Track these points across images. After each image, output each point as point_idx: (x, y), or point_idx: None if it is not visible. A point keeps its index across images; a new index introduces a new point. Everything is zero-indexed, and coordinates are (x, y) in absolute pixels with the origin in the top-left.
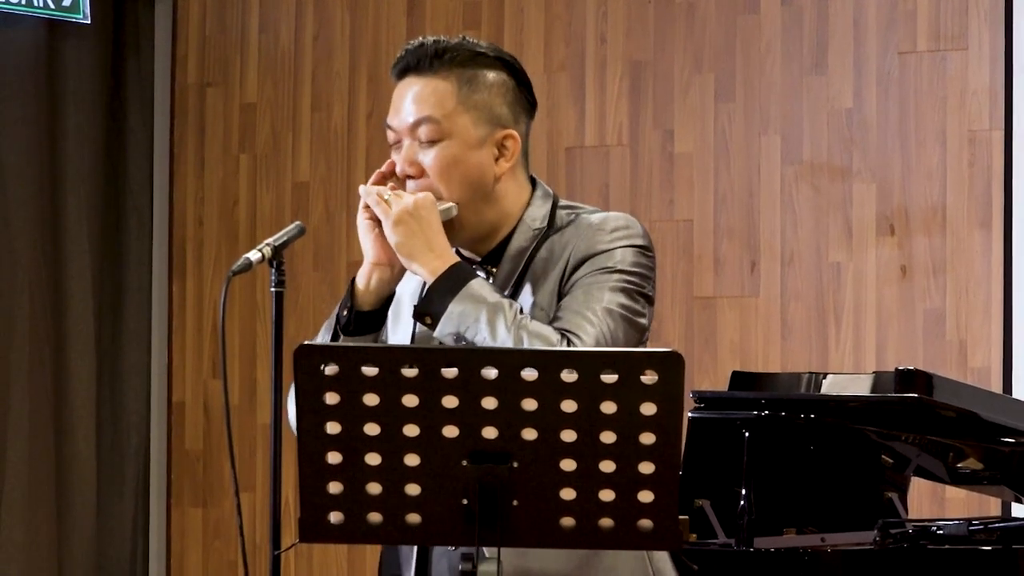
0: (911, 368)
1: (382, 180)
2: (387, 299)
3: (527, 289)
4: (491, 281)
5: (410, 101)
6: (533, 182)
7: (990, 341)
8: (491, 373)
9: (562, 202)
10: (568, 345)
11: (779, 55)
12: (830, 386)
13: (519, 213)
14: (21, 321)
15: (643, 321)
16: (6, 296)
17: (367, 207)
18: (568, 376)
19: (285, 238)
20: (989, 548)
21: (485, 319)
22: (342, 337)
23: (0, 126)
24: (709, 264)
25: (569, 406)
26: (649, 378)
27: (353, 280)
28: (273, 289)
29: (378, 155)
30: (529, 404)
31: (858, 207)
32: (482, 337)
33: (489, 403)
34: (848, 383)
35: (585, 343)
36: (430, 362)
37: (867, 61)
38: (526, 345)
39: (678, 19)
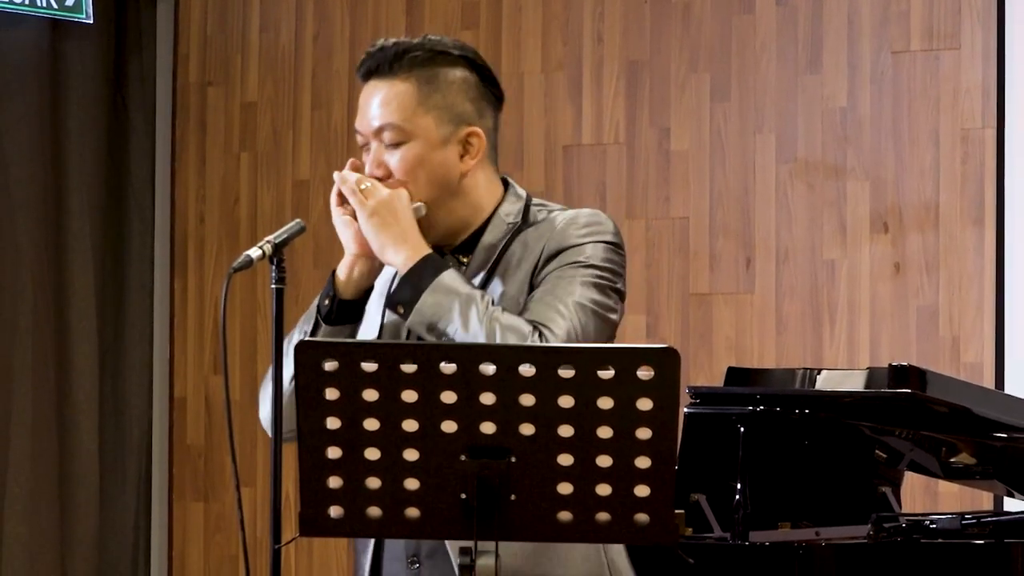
0: (904, 364)
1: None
2: (367, 290)
3: (497, 281)
4: (462, 271)
5: (373, 105)
6: (505, 182)
7: (983, 337)
8: (489, 369)
9: (535, 200)
10: (540, 337)
11: (774, 54)
12: (824, 382)
13: (491, 207)
14: (25, 317)
15: (614, 316)
16: (10, 293)
17: (341, 202)
18: (565, 372)
19: (285, 235)
20: (981, 542)
21: (458, 310)
22: (323, 327)
23: (4, 124)
24: (705, 261)
25: (566, 401)
26: (645, 374)
27: (333, 272)
28: (274, 286)
29: None
30: (527, 400)
31: (852, 205)
32: (454, 328)
33: (487, 399)
34: (842, 379)
35: (556, 335)
36: (429, 358)
37: (861, 60)
38: (498, 336)
39: (674, 19)
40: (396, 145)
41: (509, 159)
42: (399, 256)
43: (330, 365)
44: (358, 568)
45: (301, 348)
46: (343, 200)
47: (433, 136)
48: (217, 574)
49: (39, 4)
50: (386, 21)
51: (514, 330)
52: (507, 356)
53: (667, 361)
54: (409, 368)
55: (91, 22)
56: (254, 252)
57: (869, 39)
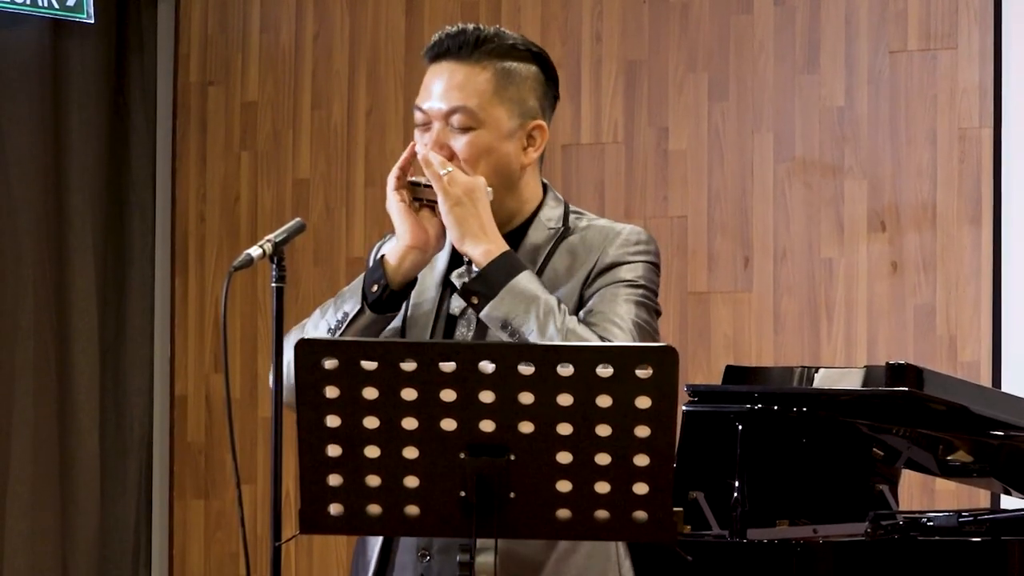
0: (902, 362)
1: (407, 165)
2: (411, 282)
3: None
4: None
5: (446, 87)
6: (544, 185)
7: (979, 336)
8: (488, 367)
9: (571, 207)
10: None
11: (772, 54)
12: (822, 380)
13: (532, 209)
14: (26, 316)
15: (657, 336)
16: (11, 291)
17: (400, 186)
18: (564, 370)
19: (285, 234)
20: (978, 539)
21: (536, 314)
22: (367, 313)
23: (6, 124)
24: (703, 260)
25: (565, 400)
26: (644, 372)
27: (382, 257)
28: (274, 284)
29: (377, 152)
30: (526, 398)
31: (849, 204)
32: (529, 329)
33: (487, 397)
34: (839, 377)
35: None
36: (428, 356)
37: (858, 60)
38: None
39: (672, 19)
40: (465, 130)
41: None
42: (478, 248)
43: (330, 363)
44: (364, 558)
45: (301, 346)
46: (401, 184)
47: (503, 127)
48: (218, 571)
49: (40, 4)
50: (386, 21)
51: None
52: (506, 355)
53: (665, 359)
54: (409, 366)
55: (92, 22)
56: (254, 251)
57: (867, 39)
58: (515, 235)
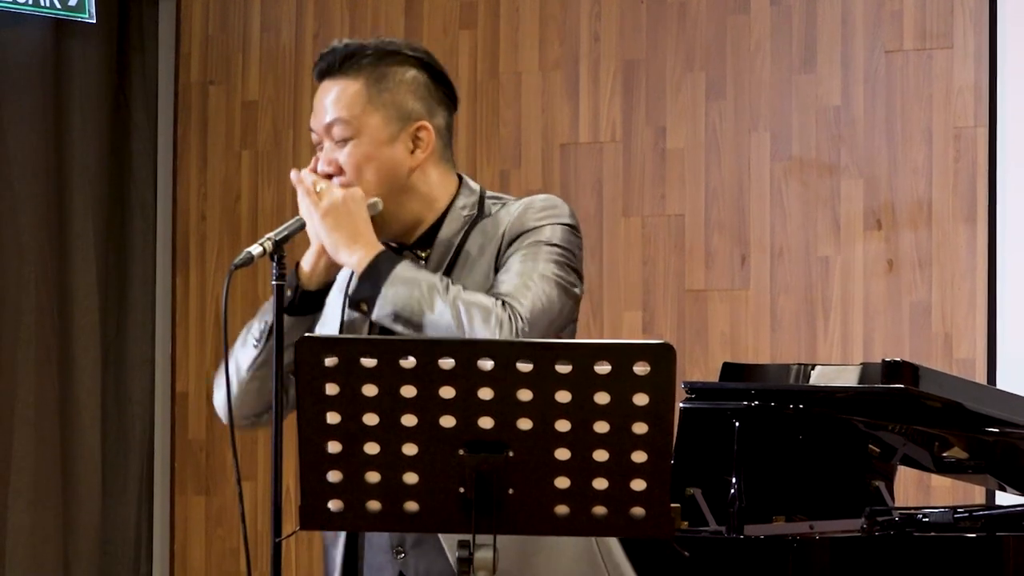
0: (897, 360)
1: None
2: (329, 283)
3: (459, 272)
4: (421, 266)
5: (325, 103)
6: (459, 178)
7: (975, 333)
8: (487, 364)
9: (489, 193)
10: (505, 308)
11: (768, 54)
12: (818, 377)
13: (446, 202)
14: (28, 313)
15: (576, 290)
16: (13, 289)
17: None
18: (562, 367)
19: (286, 232)
20: (973, 535)
21: (419, 296)
22: (285, 317)
23: (8, 123)
24: (700, 258)
25: (563, 396)
26: (642, 369)
27: (298, 264)
28: (274, 282)
29: None
30: (524, 395)
31: (846, 202)
32: (420, 313)
33: (485, 393)
34: (836, 374)
35: (523, 305)
36: (428, 354)
37: (855, 59)
38: (463, 314)
39: (670, 19)
40: (344, 141)
41: (507, 157)
42: (353, 256)
43: (330, 361)
44: (329, 561)
45: (302, 343)
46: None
47: (381, 133)
48: (218, 567)
49: (43, 4)
50: (385, 21)
51: (478, 305)
52: (505, 352)
53: (663, 357)
54: (408, 363)
55: (94, 22)
56: (255, 249)
57: (863, 39)
58: (430, 232)
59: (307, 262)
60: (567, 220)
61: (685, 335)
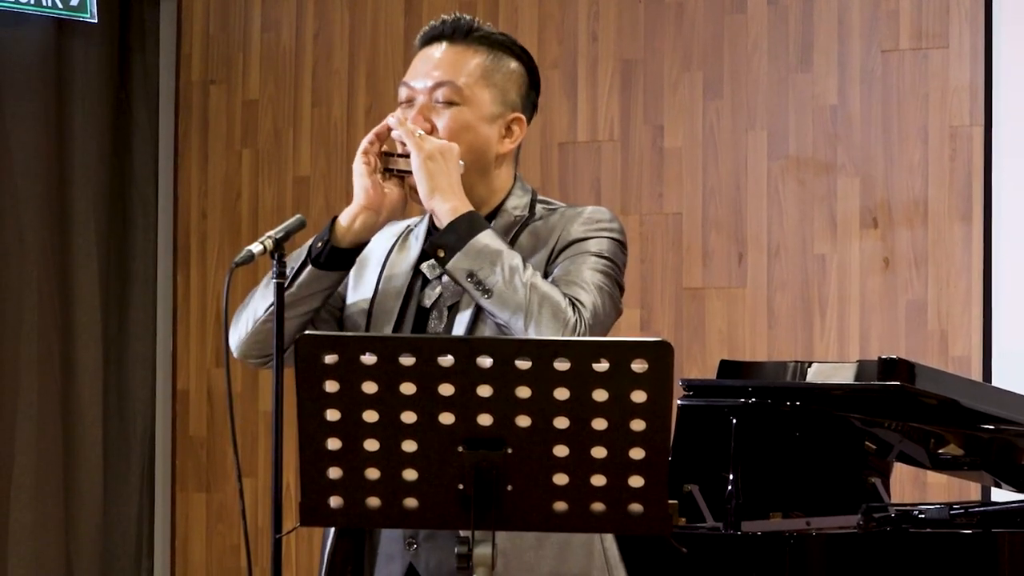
0: (894, 357)
1: (377, 140)
2: (361, 244)
3: None
4: None
5: (436, 64)
6: (515, 177)
7: (970, 331)
8: (486, 362)
9: (539, 196)
10: (575, 311)
11: (765, 53)
12: (815, 374)
13: (500, 199)
14: (30, 311)
15: (620, 305)
16: (16, 287)
17: (368, 151)
18: (561, 365)
19: (286, 231)
20: (969, 532)
21: (501, 267)
22: (309, 268)
23: (10, 122)
24: (698, 256)
25: (562, 394)
26: (639, 366)
27: (335, 218)
28: (274, 280)
29: None
30: (523, 392)
31: (842, 201)
32: (495, 280)
33: (484, 391)
34: (832, 372)
35: (587, 308)
36: (427, 351)
37: (851, 59)
38: (534, 303)
39: (668, 18)
40: (449, 104)
41: None
42: (446, 204)
43: (330, 358)
44: (325, 533)
45: (302, 341)
46: (373, 151)
47: (486, 110)
48: (219, 563)
49: (44, 3)
50: (385, 21)
51: (551, 298)
52: (504, 349)
53: (661, 354)
54: (408, 361)
55: (95, 21)
56: (255, 247)
57: (859, 38)
58: None
59: (346, 217)
60: (617, 235)
61: (683, 333)
